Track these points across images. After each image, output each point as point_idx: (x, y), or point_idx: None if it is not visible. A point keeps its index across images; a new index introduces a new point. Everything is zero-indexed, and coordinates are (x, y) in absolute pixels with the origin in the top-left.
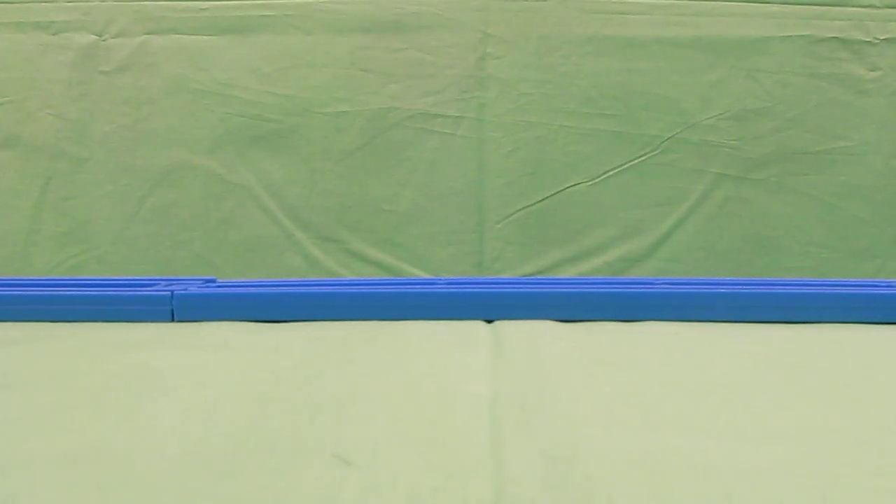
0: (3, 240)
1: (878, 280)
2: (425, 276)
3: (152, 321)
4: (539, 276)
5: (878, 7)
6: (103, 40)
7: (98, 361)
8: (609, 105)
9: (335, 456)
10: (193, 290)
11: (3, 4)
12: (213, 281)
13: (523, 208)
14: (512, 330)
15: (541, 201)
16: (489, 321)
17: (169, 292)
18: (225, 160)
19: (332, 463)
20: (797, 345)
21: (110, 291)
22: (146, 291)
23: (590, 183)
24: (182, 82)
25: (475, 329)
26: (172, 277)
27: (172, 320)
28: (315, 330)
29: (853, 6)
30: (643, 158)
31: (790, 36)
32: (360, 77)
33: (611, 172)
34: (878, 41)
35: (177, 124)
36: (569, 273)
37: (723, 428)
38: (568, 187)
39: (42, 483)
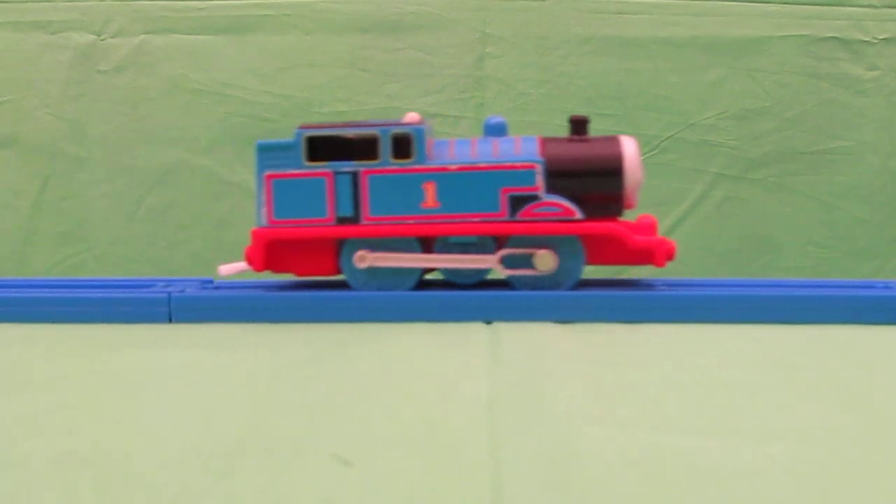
0: (2, 239)
1: (875, 280)
2: None
3: (150, 322)
4: None
5: (876, 7)
6: (101, 40)
7: (97, 362)
8: (608, 105)
9: (334, 456)
10: (191, 291)
11: (1, 4)
12: (210, 282)
13: None
14: (511, 331)
15: None
16: (488, 322)
17: (166, 294)
18: (223, 160)
19: (331, 463)
20: (796, 345)
21: (108, 293)
22: (143, 293)
23: None
24: (180, 82)
25: (474, 330)
26: (171, 278)
27: (170, 321)
28: (314, 331)
29: (852, 6)
30: (642, 158)
31: (789, 35)
32: (359, 77)
33: None
34: (876, 41)
35: (175, 124)
36: None
37: (722, 428)
38: None
39: (42, 483)
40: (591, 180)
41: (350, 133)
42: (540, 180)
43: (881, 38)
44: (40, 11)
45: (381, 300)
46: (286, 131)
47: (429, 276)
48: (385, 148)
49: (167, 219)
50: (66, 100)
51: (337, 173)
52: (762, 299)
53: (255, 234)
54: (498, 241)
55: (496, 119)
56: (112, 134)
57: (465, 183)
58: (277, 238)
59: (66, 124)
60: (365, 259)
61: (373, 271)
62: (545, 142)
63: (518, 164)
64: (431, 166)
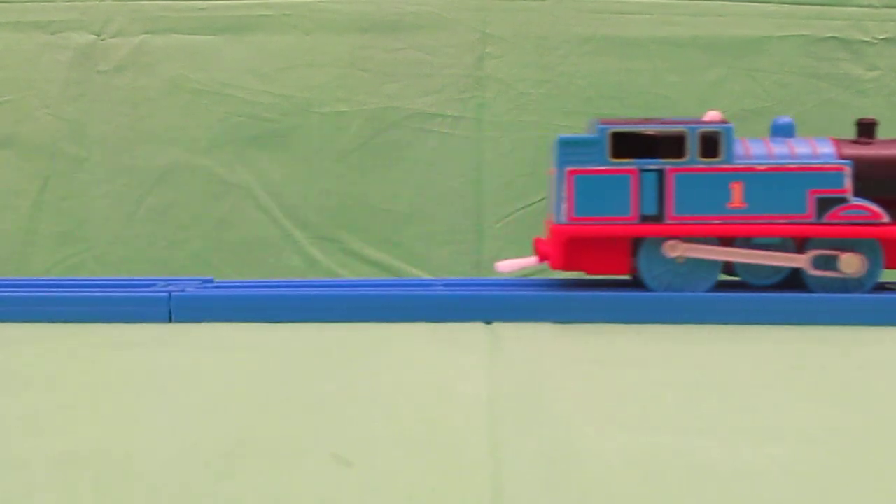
0: (2, 239)
1: None
2: (424, 275)
3: (150, 322)
4: (537, 278)
5: (876, 7)
6: (101, 40)
7: (97, 362)
8: (607, 105)
9: (334, 456)
10: (191, 291)
11: (1, 4)
12: (210, 281)
13: (522, 208)
14: (510, 331)
15: (539, 201)
16: (488, 322)
17: (166, 293)
18: (223, 160)
19: (331, 463)
20: (796, 345)
21: (108, 293)
22: (144, 293)
23: None
24: (180, 82)
25: (474, 330)
26: (171, 278)
27: (170, 321)
28: (313, 331)
29: (852, 6)
30: None
31: (789, 35)
32: (359, 77)
33: None
34: (876, 41)
35: (175, 124)
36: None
37: (722, 428)
38: None
39: (42, 483)
40: (888, 183)
41: (654, 130)
42: (848, 182)
43: (881, 38)
44: (40, 11)
45: (380, 300)
46: (286, 131)
47: (723, 278)
48: (693, 146)
49: (167, 219)
50: (66, 100)
51: (642, 171)
52: (762, 299)
53: (556, 231)
54: (797, 244)
55: (785, 119)
56: (112, 134)
57: (772, 183)
58: (579, 235)
59: (66, 124)
60: (676, 248)
61: (673, 272)
62: (839, 143)
63: (827, 165)
64: (739, 166)
